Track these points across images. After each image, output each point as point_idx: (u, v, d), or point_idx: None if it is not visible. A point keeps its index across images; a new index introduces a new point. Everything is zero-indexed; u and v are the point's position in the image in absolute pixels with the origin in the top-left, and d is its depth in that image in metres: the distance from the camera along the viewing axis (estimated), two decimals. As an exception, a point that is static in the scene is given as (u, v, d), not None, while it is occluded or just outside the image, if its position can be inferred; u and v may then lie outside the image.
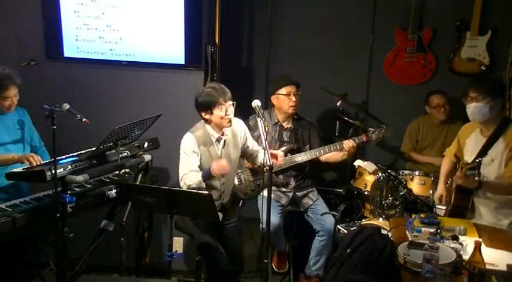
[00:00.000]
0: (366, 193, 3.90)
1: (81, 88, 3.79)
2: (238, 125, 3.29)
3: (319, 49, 4.62)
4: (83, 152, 3.14)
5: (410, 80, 4.58)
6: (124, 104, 3.83)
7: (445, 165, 3.41)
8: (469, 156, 3.10)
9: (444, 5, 4.42)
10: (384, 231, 2.96)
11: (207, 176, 3.04)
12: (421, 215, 2.90)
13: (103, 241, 3.21)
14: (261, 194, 3.70)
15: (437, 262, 2.22)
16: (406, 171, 4.04)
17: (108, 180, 3.40)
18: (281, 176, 3.79)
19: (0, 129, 3.27)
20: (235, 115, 3.22)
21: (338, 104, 4.30)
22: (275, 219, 3.60)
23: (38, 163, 3.08)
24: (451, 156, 3.36)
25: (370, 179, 3.88)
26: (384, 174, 3.54)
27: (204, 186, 3.10)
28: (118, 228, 3.15)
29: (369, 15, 4.51)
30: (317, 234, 3.75)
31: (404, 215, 3.30)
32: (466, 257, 2.38)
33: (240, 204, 3.51)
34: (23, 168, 3.05)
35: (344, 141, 3.62)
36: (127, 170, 3.44)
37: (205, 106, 3.08)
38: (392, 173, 3.64)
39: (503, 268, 2.37)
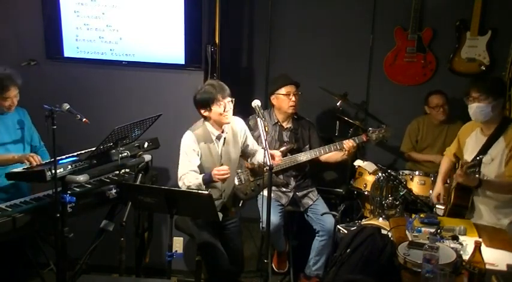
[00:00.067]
0: (366, 193, 3.90)
1: (81, 88, 3.79)
2: (238, 123, 3.29)
3: (319, 49, 4.62)
4: (83, 152, 3.14)
5: (410, 80, 4.58)
6: (124, 104, 3.83)
7: (444, 163, 3.41)
8: (468, 155, 3.10)
9: (444, 5, 4.42)
10: (384, 231, 2.96)
11: (208, 180, 3.03)
12: (421, 215, 2.89)
13: (103, 241, 3.21)
14: (261, 193, 3.70)
15: (437, 262, 2.22)
16: (406, 171, 4.04)
17: (108, 180, 3.40)
18: (281, 176, 3.79)
19: (0, 129, 3.27)
20: (235, 114, 3.23)
21: (338, 104, 4.31)
22: (275, 218, 3.60)
23: (38, 163, 3.08)
24: (451, 156, 3.36)
25: (370, 179, 3.88)
26: (383, 174, 3.54)
27: (204, 188, 3.10)
28: (118, 228, 3.15)
29: (369, 15, 4.51)
30: (317, 234, 3.75)
31: (404, 215, 3.30)
32: (466, 257, 2.38)
33: (240, 204, 3.51)
34: (23, 168, 3.05)
35: (344, 141, 3.62)
36: (127, 170, 3.44)
37: (204, 103, 3.08)
38: (392, 173, 3.64)
39: (503, 268, 2.37)
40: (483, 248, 2.38)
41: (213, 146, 3.15)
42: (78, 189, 3.18)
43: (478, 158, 2.94)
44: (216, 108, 3.07)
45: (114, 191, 3.29)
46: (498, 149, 2.98)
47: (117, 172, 3.33)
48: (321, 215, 3.71)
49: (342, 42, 4.60)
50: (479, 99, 2.94)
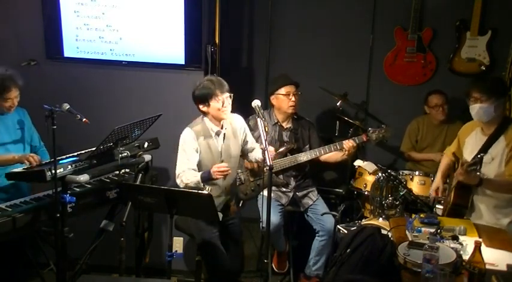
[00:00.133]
0: (366, 193, 3.90)
1: (81, 88, 3.79)
2: (238, 120, 3.29)
3: (319, 49, 4.62)
4: (83, 152, 3.15)
5: (410, 80, 4.58)
6: (124, 104, 3.83)
7: (444, 161, 3.41)
8: (468, 155, 3.10)
9: (444, 5, 4.42)
10: (384, 231, 2.96)
11: (207, 178, 3.03)
12: (421, 215, 2.89)
13: (103, 241, 3.21)
14: (261, 193, 3.70)
15: (437, 262, 2.22)
16: (406, 171, 4.04)
17: (108, 180, 3.40)
18: (281, 176, 3.79)
19: (0, 129, 3.28)
20: (235, 112, 3.22)
21: (338, 104, 4.31)
22: (275, 218, 3.60)
23: (38, 163, 3.08)
24: (450, 155, 3.36)
25: (370, 179, 3.88)
26: (383, 174, 3.53)
27: (202, 186, 3.10)
28: (118, 228, 3.15)
29: (369, 15, 4.51)
30: (317, 234, 3.75)
31: (404, 215, 3.30)
32: (466, 257, 2.38)
33: (240, 204, 3.51)
34: (23, 168, 3.05)
35: (344, 141, 3.62)
36: (127, 170, 3.44)
37: (202, 98, 3.08)
38: (392, 173, 3.64)
39: (503, 268, 2.36)
40: (483, 248, 2.38)
41: (212, 142, 3.15)
42: (78, 189, 3.19)
43: (479, 156, 2.94)
44: (214, 104, 3.07)
45: (114, 191, 3.29)
46: (498, 149, 2.98)
47: (117, 172, 3.33)
48: (321, 215, 3.71)
49: (342, 42, 4.60)
50: (481, 99, 2.93)
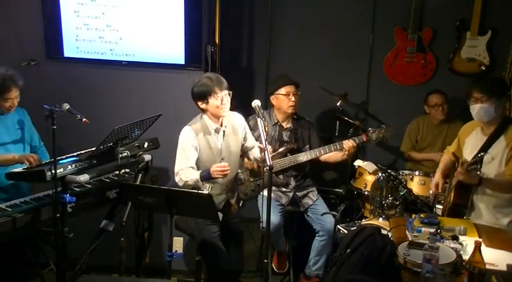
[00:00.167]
0: (366, 193, 3.90)
1: (81, 88, 3.79)
2: (238, 118, 3.29)
3: (319, 49, 4.62)
4: (83, 152, 3.15)
5: (410, 80, 4.58)
6: (124, 104, 3.83)
7: (444, 159, 3.41)
8: (468, 155, 3.10)
9: (444, 5, 4.41)
10: (384, 231, 2.96)
11: (206, 177, 3.03)
12: (421, 215, 2.89)
13: (103, 241, 3.21)
14: (261, 193, 3.70)
15: (437, 262, 2.22)
16: (406, 171, 4.04)
17: (108, 180, 3.40)
18: (281, 176, 3.79)
19: (0, 129, 3.28)
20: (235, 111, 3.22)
21: (338, 104, 4.30)
22: (275, 218, 3.60)
23: (38, 163, 3.08)
24: (450, 154, 3.36)
25: (370, 179, 3.88)
26: (383, 174, 3.53)
27: (201, 185, 3.10)
28: (118, 228, 3.15)
29: (369, 15, 4.51)
30: (317, 234, 3.75)
31: (404, 215, 3.30)
32: (466, 257, 2.38)
33: (240, 204, 3.51)
34: (23, 168, 3.05)
35: (344, 141, 3.62)
36: (127, 170, 3.44)
37: (201, 96, 3.08)
38: (392, 173, 3.64)
39: (503, 268, 2.36)
40: (483, 248, 2.38)
41: (211, 139, 3.15)
42: (78, 189, 3.19)
43: (479, 155, 2.94)
44: (213, 101, 3.07)
45: (114, 191, 3.29)
46: (498, 148, 2.98)
47: (117, 172, 3.33)
48: (321, 215, 3.71)
49: (342, 42, 4.60)
50: (481, 100, 2.93)
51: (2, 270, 3.42)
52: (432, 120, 4.29)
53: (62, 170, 2.88)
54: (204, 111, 3.15)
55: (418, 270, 2.30)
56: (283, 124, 3.83)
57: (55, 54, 3.79)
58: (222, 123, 3.18)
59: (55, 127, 2.81)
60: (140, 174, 3.26)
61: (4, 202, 3.04)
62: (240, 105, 3.35)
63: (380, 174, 3.57)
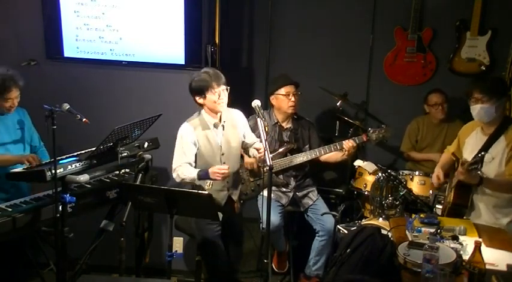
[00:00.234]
0: (366, 193, 3.90)
1: (81, 88, 3.79)
2: (238, 114, 3.28)
3: (319, 49, 4.62)
4: (83, 152, 3.14)
5: (410, 80, 4.58)
6: (124, 104, 3.83)
7: (444, 156, 3.41)
8: (468, 155, 3.10)
9: (444, 5, 4.42)
10: (384, 231, 2.96)
11: (204, 177, 3.02)
12: (421, 215, 2.89)
13: (103, 241, 3.21)
14: (261, 193, 3.70)
15: (437, 262, 2.22)
16: (406, 171, 4.04)
17: (108, 180, 3.40)
18: (281, 176, 3.79)
19: (0, 130, 3.28)
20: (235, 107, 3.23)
21: (338, 104, 4.31)
22: (275, 218, 3.59)
23: (38, 163, 3.08)
24: (450, 155, 3.36)
25: (370, 179, 3.88)
26: (383, 174, 3.54)
27: (198, 183, 3.09)
28: (118, 228, 3.15)
29: (369, 15, 4.51)
30: (317, 234, 3.75)
31: (404, 215, 3.30)
32: (466, 257, 2.38)
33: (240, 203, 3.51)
34: (23, 168, 3.05)
35: (344, 141, 3.62)
36: (127, 170, 3.44)
37: (199, 90, 3.08)
38: (392, 173, 3.64)
39: (503, 268, 2.36)
40: (483, 248, 2.38)
41: (211, 134, 3.14)
42: (78, 189, 3.18)
43: (480, 154, 2.94)
44: (210, 96, 3.06)
45: (114, 191, 3.29)
46: (499, 148, 2.98)
47: (117, 172, 3.32)
48: (321, 215, 3.71)
49: (342, 42, 4.60)
50: (482, 100, 2.93)
51: (2, 270, 3.42)
52: (432, 119, 4.29)
53: (62, 170, 2.88)
54: (201, 106, 3.15)
55: (418, 270, 2.30)
56: (283, 124, 3.83)
57: (55, 54, 3.79)
58: (220, 118, 3.17)
59: (55, 127, 2.80)
60: (140, 174, 3.26)
61: (4, 202, 3.04)
62: (240, 105, 3.34)
63: (380, 174, 3.57)
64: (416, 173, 3.97)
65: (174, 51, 3.70)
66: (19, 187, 3.31)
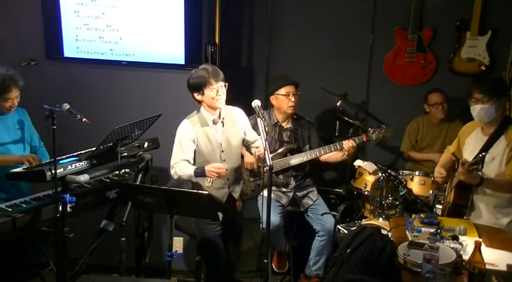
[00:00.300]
0: (366, 193, 3.90)
1: (81, 88, 3.79)
2: (238, 112, 3.28)
3: (319, 49, 4.62)
4: (83, 152, 3.14)
5: (410, 80, 4.58)
6: (124, 104, 3.83)
7: (444, 156, 3.40)
8: (468, 155, 3.10)
9: (444, 5, 4.42)
10: (384, 231, 2.96)
11: (200, 174, 3.01)
12: (421, 215, 2.89)
13: (103, 241, 3.21)
14: (261, 194, 3.70)
15: (437, 262, 2.22)
16: (406, 171, 4.04)
17: (108, 180, 3.41)
18: (281, 176, 3.79)
19: (0, 130, 3.28)
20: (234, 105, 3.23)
21: (338, 104, 4.31)
22: (275, 218, 3.59)
23: (38, 163, 3.08)
24: (450, 155, 3.36)
25: (370, 179, 3.88)
26: (383, 174, 3.54)
27: (194, 180, 3.09)
28: (118, 228, 3.15)
29: (369, 15, 4.51)
30: (317, 234, 3.75)
31: (404, 215, 3.30)
32: (466, 257, 2.38)
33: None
34: (23, 168, 3.05)
35: (344, 141, 3.62)
36: (127, 170, 3.44)
37: (197, 87, 3.08)
38: (392, 173, 3.64)
39: (503, 268, 2.37)
40: (483, 248, 2.38)
41: (210, 131, 3.14)
42: (78, 189, 3.18)
43: (480, 155, 2.94)
44: (208, 92, 3.06)
45: (114, 191, 3.29)
46: (499, 149, 2.98)
47: (117, 172, 3.32)
48: (321, 215, 3.71)
49: (342, 42, 4.60)
50: (482, 100, 2.93)
51: (2, 270, 3.42)
52: (432, 119, 4.29)
53: (62, 170, 2.88)
54: (200, 103, 3.15)
55: (418, 270, 2.30)
56: (283, 124, 3.83)
57: (55, 54, 3.79)
58: (220, 115, 3.17)
59: (55, 127, 2.80)
60: (140, 174, 3.26)
61: (4, 202, 3.04)
62: (240, 105, 3.34)
63: (380, 174, 3.57)
64: (416, 173, 3.97)
65: (174, 51, 3.70)
66: (19, 187, 3.31)
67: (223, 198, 3.19)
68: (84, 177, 2.95)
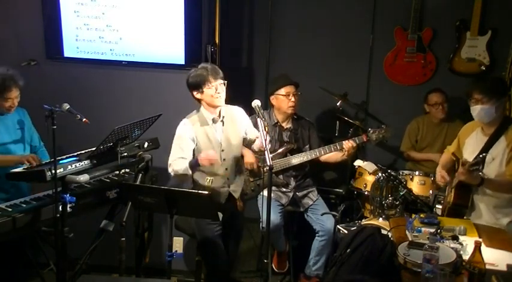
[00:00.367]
0: (366, 193, 3.90)
1: (81, 88, 3.79)
2: (238, 111, 3.28)
3: (319, 49, 4.62)
4: (83, 152, 3.14)
5: (410, 80, 4.58)
6: (124, 104, 3.83)
7: (444, 156, 3.40)
8: (468, 155, 3.10)
9: (444, 5, 4.42)
10: (384, 231, 2.96)
11: (194, 164, 3.03)
12: (421, 215, 2.89)
13: (103, 241, 3.21)
14: (261, 193, 3.70)
15: (437, 262, 2.22)
16: (406, 171, 4.04)
17: (108, 180, 3.40)
18: (281, 176, 3.79)
19: (0, 130, 3.27)
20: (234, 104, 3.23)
21: (338, 104, 4.31)
22: (275, 218, 3.60)
23: (38, 163, 3.08)
24: (450, 155, 3.36)
25: (370, 179, 3.88)
26: (383, 174, 3.54)
27: (190, 173, 3.09)
28: (118, 228, 3.14)
29: (369, 15, 4.52)
30: (317, 234, 3.75)
31: (404, 215, 3.30)
32: (466, 257, 2.38)
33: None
34: (23, 168, 3.05)
35: (344, 142, 3.62)
36: (127, 170, 3.44)
37: (196, 85, 3.08)
38: (392, 173, 3.64)
39: (503, 268, 2.37)
40: (483, 248, 2.38)
41: (210, 130, 3.14)
42: (78, 189, 3.18)
43: (481, 155, 2.94)
44: (207, 90, 3.06)
45: (114, 191, 3.29)
46: (499, 149, 2.98)
47: (117, 172, 3.32)
48: (321, 215, 3.71)
49: (342, 42, 4.60)
50: (482, 101, 2.93)
51: (2, 270, 3.42)
52: (432, 119, 4.29)
53: (62, 170, 2.88)
54: (199, 101, 3.15)
55: (418, 270, 2.30)
56: (283, 124, 3.83)
57: (55, 54, 3.79)
58: (220, 114, 3.17)
59: (55, 127, 2.80)
60: (140, 174, 3.25)
61: (4, 202, 3.04)
62: (240, 105, 3.34)
63: (380, 174, 3.57)
64: (416, 173, 3.97)
65: (174, 51, 3.70)
66: (19, 187, 3.31)
67: (223, 198, 3.19)
68: (84, 177, 2.95)
